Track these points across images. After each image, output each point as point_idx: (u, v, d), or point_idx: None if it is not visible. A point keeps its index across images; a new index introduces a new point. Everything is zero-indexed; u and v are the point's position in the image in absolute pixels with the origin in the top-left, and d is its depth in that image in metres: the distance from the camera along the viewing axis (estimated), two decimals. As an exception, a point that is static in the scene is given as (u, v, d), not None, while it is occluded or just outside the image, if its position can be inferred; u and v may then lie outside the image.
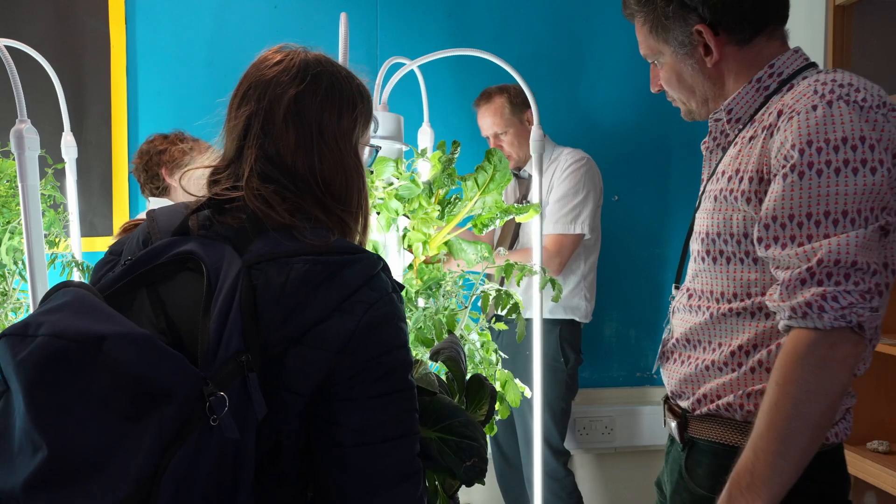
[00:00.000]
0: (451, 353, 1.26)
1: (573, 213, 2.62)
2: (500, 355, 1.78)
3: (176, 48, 2.82)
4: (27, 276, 1.79)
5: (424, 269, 1.75)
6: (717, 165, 1.31)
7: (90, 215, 2.76)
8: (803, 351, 1.08)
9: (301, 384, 0.91)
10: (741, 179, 1.20)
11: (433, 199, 1.72)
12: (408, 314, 1.63)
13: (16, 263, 2.00)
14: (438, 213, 1.71)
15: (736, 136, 1.28)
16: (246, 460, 0.88)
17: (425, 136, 2.06)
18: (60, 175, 2.15)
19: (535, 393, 1.84)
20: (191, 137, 2.40)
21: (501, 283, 2.17)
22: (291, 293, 0.91)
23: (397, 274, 1.64)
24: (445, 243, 1.76)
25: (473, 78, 2.80)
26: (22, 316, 2.00)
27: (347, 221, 1.04)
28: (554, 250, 2.59)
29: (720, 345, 1.26)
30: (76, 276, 1.98)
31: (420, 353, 1.61)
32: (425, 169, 1.73)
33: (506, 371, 1.73)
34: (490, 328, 1.84)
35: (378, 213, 1.61)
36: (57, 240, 2.06)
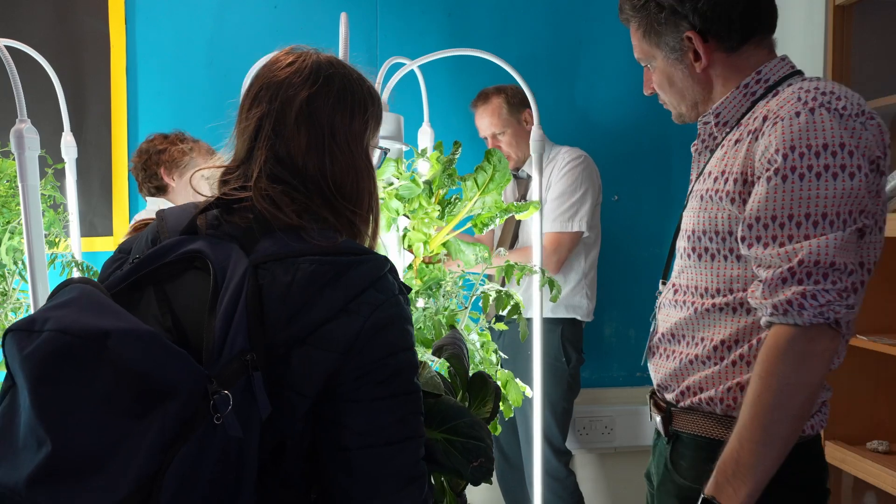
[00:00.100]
0: (455, 350, 1.26)
1: (571, 210, 2.60)
2: (500, 355, 1.78)
3: (176, 48, 2.82)
4: (27, 276, 1.79)
5: (424, 270, 1.75)
6: (704, 166, 1.36)
7: (90, 215, 2.76)
8: (784, 346, 1.14)
9: (306, 385, 0.91)
10: (727, 180, 1.25)
11: (433, 199, 1.72)
12: (408, 314, 1.62)
13: (16, 263, 2.00)
14: (438, 213, 1.72)
15: (723, 139, 1.33)
16: (249, 459, 0.88)
17: (425, 136, 2.06)
18: (60, 175, 2.15)
19: (536, 393, 1.84)
20: (191, 138, 2.41)
21: (502, 284, 2.17)
22: (297, 293, 0.91)
23: (398, 274, 1.64)
24: (444, 244, 1.76)
25: (473, 78, 2.80)
26: (22, 316, 1.99)
27: (357, 224, 1.04)
28: (552, 248, 2.57)
29: (703, 339, 1.32)
30: (76, 276, 1.98)
31: (420, 353, 1.61)
32: (425, 169, 1.73)
33: (506, 371, 1.73)
34: (490, 328, 1.83)
35: (379, 214, 1.61)
36: (57, 240, 2.06)
